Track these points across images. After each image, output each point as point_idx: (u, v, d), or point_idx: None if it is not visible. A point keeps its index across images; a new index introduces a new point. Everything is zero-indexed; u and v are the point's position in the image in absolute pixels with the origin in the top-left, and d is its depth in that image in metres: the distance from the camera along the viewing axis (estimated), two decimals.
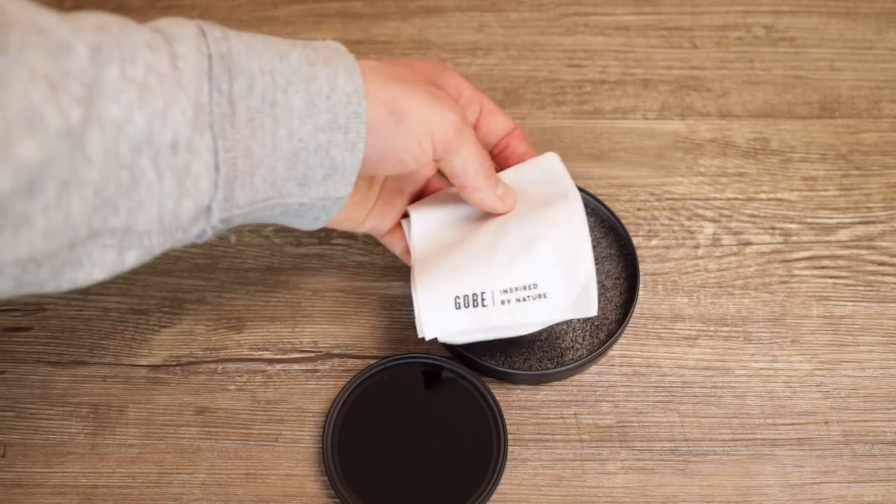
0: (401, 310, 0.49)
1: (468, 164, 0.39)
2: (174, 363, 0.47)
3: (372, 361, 0.46)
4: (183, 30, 0.31)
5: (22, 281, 0.29)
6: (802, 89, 0.57)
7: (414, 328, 0.48)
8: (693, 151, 0.54)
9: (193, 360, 0.47)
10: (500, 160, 0.46)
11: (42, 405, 0.46)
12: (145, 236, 0.31)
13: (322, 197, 0.36)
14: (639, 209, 0.52)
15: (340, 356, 0.47)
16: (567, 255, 0.41)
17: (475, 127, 0.44)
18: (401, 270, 0.50)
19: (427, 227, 0.44)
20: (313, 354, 0.47)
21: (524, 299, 0.41)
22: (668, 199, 0.52)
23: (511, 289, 0.41)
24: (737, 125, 0.55)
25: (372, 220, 0.44)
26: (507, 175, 0.45)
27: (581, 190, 0.40)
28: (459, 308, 0.41)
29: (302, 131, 0.34)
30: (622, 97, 0.56)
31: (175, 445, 0.44)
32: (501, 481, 0.42)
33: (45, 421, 0.45)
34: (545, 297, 0.41)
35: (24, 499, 0.43)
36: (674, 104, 0.56)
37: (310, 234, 0.51)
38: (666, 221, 0.51)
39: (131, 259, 0.32)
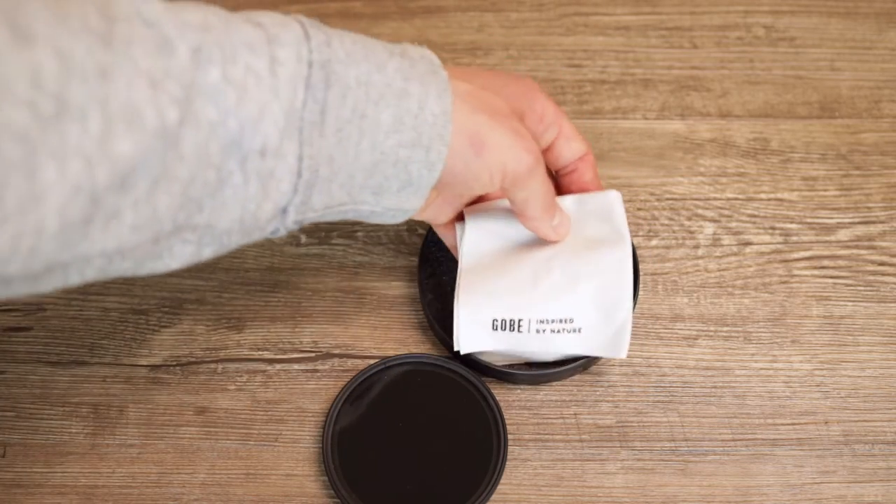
0: (401, 310, 0.49)
1: (531, 200, 0.40)
2: (174, 363, 0.47)
3: (372, 361, 0.46)
4: (287, 32, 0.31)
5: (107, 270, 0.29)
6: (802, 89, 0.57)
7: (414, 328, 0.48)
8: (693, 151, 0.54)
9: (193, 360, 0.47)
10: (564, 183, 0.46)
11: (42, 405, 0.46)
12: (225, 235, 0.32)
13: (394, 207, 0.37)
14: (639, 209, 0.52)
15: (340, 356, 0.47)
16: (608, 300, 0.42)
17: (549, 149, 0.44)
18: (401, 270, 0.50)
19: (479, 236, 0.45)
20: (313, 354, 0.47)
21: (559, 331, 0.43)
22: (668, 199, 0.52)
23: (548, 320, 0.42)
24: (737, 125, 0.55)
25: (430, 212, 0.44)
26: (566, 201, 0.46)
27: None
28: (496, 330, 0.43)
29: (385, 145, 0.34)
30: (622, 97, 0.57)
31: (175, 445, 0.45)
32: (501, 481, 0.42)
33: (45, 421, 0.45)
34: (579, 332, 0.43)
35: (24, 499, 0.43)
36: (674, 104, 0.56)
37: (310, 233, 0.51)
38: (666, 221, 0.51)
39: (208, 253, 0.32)
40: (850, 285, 0.49)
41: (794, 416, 0.45)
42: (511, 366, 0.45)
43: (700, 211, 0.52)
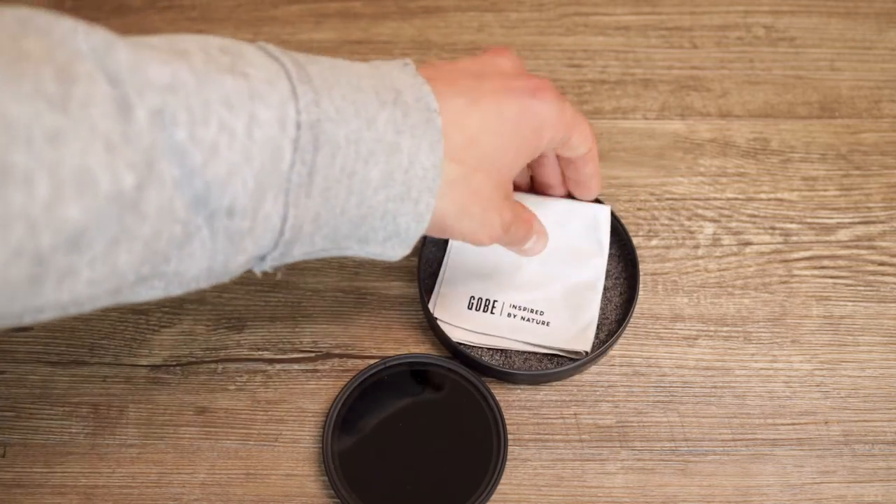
0: (401, 310, 0.49)
1: (509, 244, 0.42)
2: (174, 363, 0.47)
3: (372, 361, 0.46)
4: (273, 92, 0.30)
5: (64, 314, 0.29)
6: (802, 89, 0.57)
7: (414, 328, 0.48)
8: (693, 151, 0.54)
9: (193, 360, 0.47)
10: (561, 167, 0.46)
11: (42, 405, 0.46)
12: (193, 281, 0.31)
13: (378, 254, 0.37)
14: (639, 209, 0.52)
15: (340, 356, 0.47)
16: (578, 300, 0.47)
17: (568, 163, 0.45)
18: (401, 271, 0.50)
19: None
20: (313, 354, 0.47)
21: (528, 320, 0.46)
22: (668, 199, 0.52)
23: (520, 307, 0.46)
24: (737, 125, 0.55)
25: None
26: (559, 206, 0.48)
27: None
28: (471, 309, 0.46)
29: (373, 200, 0.34)
30: (622, 97, 0.57)
31: (175, 445, 0.45)
32: (501, 481, 0.42)
33: (45, 421, 0.45)
34: (547, 325, 0.46)
35: (24, 499, 0.43)
36: (674, 104, 0.56)
37: None
38: (666, 221, 0.51)
39: (176, 293, 0.32)
40: (850, 285, 0.49)
41: (794, 416, 0.45)
42: (511, 366, 0.45)
43: (700, 211, 0.52)
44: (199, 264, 0.30)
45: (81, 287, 0.27)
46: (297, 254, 0.34)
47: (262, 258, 0.33)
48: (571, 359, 0.45)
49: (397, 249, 0.36)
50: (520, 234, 0.41)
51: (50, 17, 0.27)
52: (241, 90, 0.29)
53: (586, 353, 0.45)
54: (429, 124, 0.34)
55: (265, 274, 0.34)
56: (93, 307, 0.29)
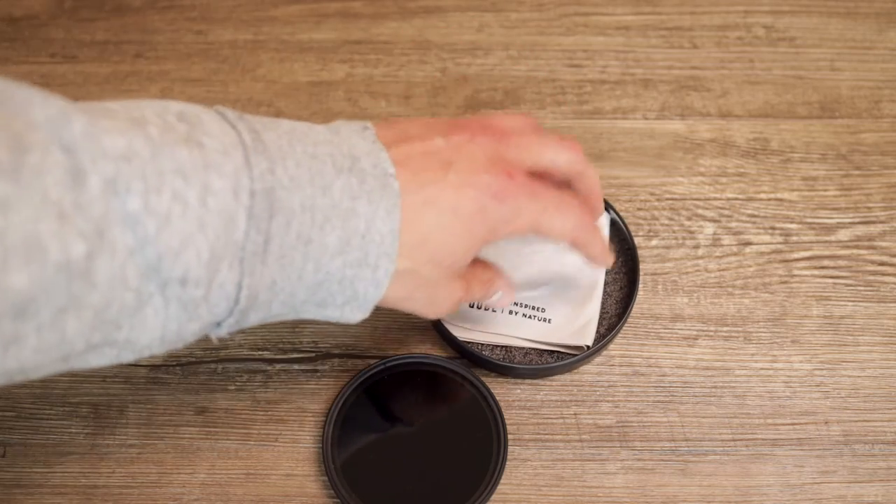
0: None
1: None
2: (174, 363, 0.47)
3: (372, 361, 0.46)
4: (227, 162, 0.30)
5: (10, 382, 0.28)
6: (802, 89, 0.57)
7: (414, 328, 0.48)
8: (693, 151, 0.54)
9: (193, 360, 0.47)
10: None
11: (42, 405, 0.46)
12: (146, 349, 0.31)
13: (337, 317, 0.36)
14: (639, 209, 0.52)
15: (340, 356, 0.47)
16: (578, 297, 0.47)
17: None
18: None
19: None
20: (313, 354, 0.47)
21: (530, 317, 0.46)
22: (668, 199, 0.52)
23: (521, 304, 0.47)
24: (737, 125, 0.55)
25: None
26: None
27: None
28: (472, 306, 0.47)
29: (331, 266, 0.33)
30: (622, 97, 0.56)
31: (175, 445, 0.44)
32: (501, 481, 0.42)
33: (45, 421, 0.45)
34: (549, 322, 0.46)
35: (24, 499, 0.43)
36: (674, 104, 0.56)
37: None
38: (666, 221, 0.51)
39: (128, 359, 0.31)
40: (851, 285, 0.49)
41: (794, 417, 0.45)
42: (512, 360, 0.45)
43: (700, 211, 0.52)
44: (152, 332, 0.30)
45: (28, 354, 0.27)
46: (253, 320, 0.33)
47: (218, 325, 0.32)
48: (572, 354, 0.45)
49: (356, 314, 0.36)
50: (477, 295, 0.41)
51: (7, 86, 0.27)
52: (196, 160, 0.29)
53: (588, 347, 0.45)
54: (385, 189, 0.34)
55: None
56: (40, 375, 0.29)
